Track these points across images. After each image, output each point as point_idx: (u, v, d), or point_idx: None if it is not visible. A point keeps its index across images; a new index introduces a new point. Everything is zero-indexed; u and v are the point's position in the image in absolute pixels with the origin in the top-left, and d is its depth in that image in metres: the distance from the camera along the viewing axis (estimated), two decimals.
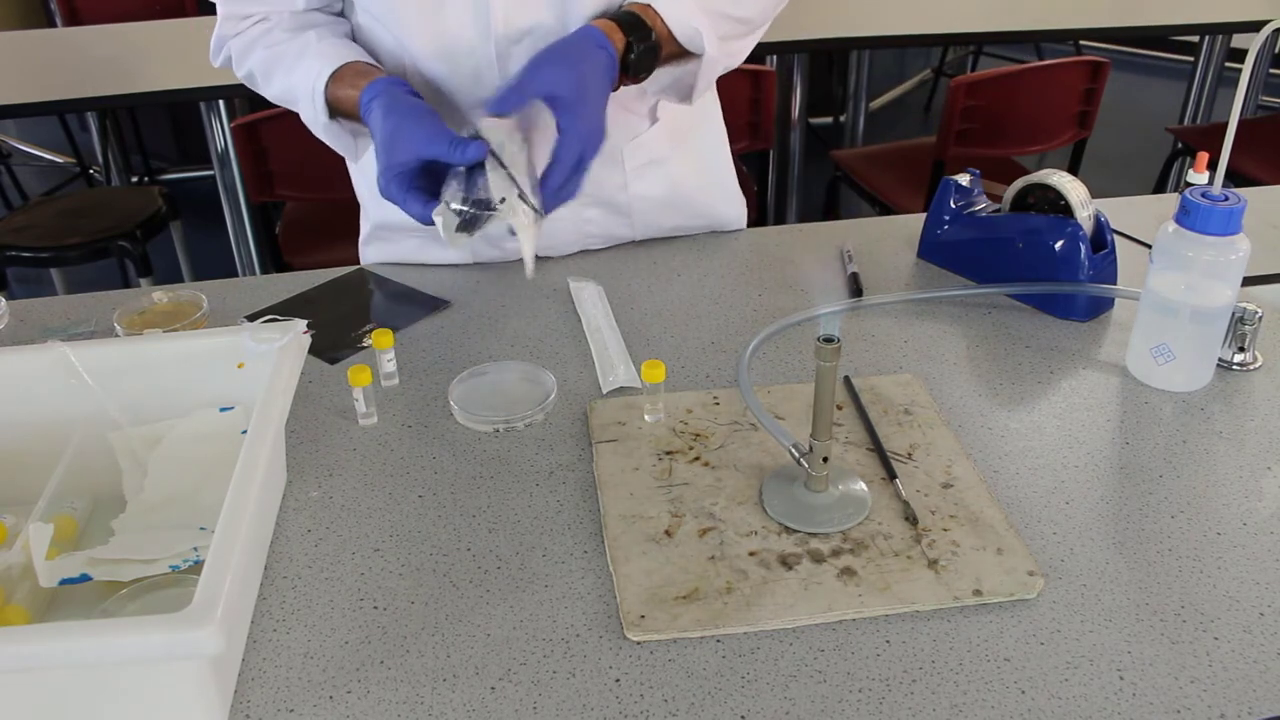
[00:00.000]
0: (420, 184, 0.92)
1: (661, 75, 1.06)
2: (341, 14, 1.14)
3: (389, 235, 1.22)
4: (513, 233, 0.90)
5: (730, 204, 1.28)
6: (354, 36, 1.13)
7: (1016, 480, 0.85)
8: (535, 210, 0.89)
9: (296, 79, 1.04)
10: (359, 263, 1.25)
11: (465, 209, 0.88)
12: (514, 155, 0.89)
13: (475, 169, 0.89)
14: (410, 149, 0.90)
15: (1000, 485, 0.84)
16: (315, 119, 1.05)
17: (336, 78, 1.02)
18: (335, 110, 1.04)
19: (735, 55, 1.10)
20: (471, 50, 1.05)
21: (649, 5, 1.01)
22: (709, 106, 1.25)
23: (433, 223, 0.89)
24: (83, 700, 0.63)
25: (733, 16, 1.07)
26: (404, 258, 1.22)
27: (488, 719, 0.65)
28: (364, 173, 1.21)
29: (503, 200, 0.88)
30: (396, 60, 1.09)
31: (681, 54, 1.05)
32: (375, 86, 0.97)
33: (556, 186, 0.91)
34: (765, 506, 0.81)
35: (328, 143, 1.09)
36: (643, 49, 0.99)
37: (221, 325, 1.07)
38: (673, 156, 1.21)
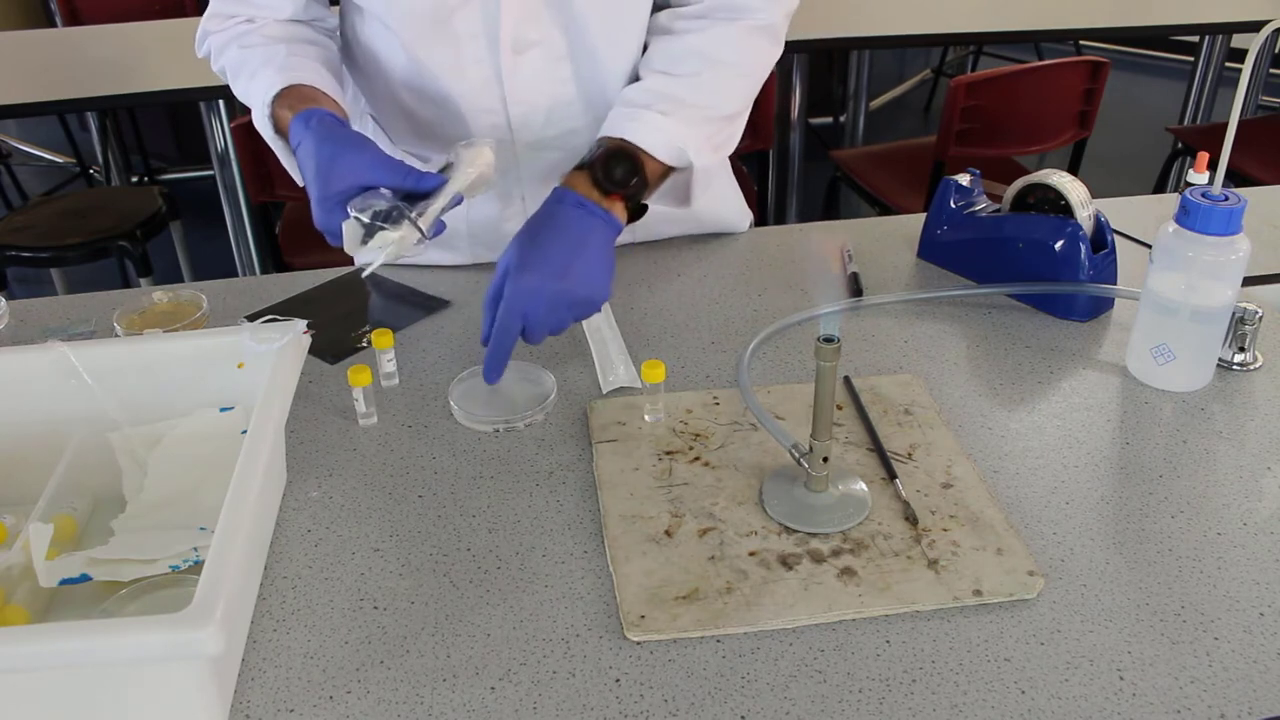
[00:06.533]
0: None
1: (659, 191, 1.05)
2: (338, 31, 1.13)
3: None
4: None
5: (733, 214, 1.28)
6: (352, 50, 1.13)
7: (1016, 480, 0.85)
8: (421, 234, 0.88)
9: (254, 87, 1.02)
10: (356, 263, 1.25)
11: (368, 221, 0.87)
12: (466, 174, 0.91)
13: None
14: (347, 178, 0.89)
15: (1000, 485, 0.84)
16: (264, 129, 1.04)
17: (283, 95, 1.00)
18: (278, 127, 1.02)
19: (727, 146, 1.08)
20: (479, 60, 1.05)
21: (624, 141, 0.98)
22: None
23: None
24: (82, 700, 0.63)
25: (719, 117, 1.05)
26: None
27: (488, 719, 0.65)
28: None
29: (401, 216, 0.87)
30: (399, 72, 1.08)
31: (670, 170, 1.03)
32: (309, 115, 0.94)
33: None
34: (765, 506, 0.81)
35: (277, 154, 1.07)
36: (631, 182, 0.97)
37: (221, 325, 1.07)
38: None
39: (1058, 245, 1.05)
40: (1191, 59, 3.16)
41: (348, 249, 0.90)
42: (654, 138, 0.99)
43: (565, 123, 1.10)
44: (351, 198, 0.89)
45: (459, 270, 1.19)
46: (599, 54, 1.07)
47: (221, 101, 2.39)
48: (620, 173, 0.97)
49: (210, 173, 2.58)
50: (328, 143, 0.92)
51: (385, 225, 0.87)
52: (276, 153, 1.07)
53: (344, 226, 0.89)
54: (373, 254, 0.88)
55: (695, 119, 1.02)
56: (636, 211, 1.00)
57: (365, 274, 0.91)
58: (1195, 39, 3.17)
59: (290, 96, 1.00)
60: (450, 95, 1.08)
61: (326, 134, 0.93)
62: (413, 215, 0.88)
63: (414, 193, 0.90)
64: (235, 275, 2.09)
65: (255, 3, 1.08)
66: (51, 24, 3.82)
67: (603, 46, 1.07)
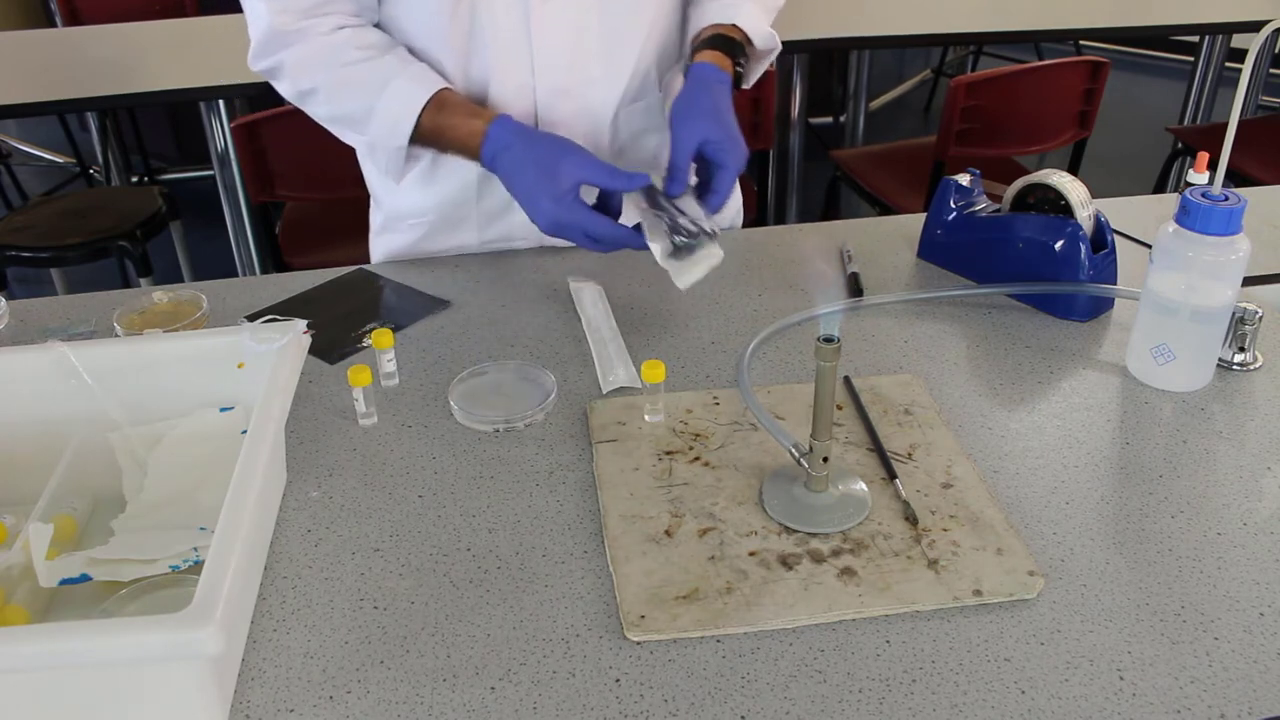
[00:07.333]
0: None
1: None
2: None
3: (401, 225, 1.24)
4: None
5: (733, 209, 1.29)
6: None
7: (1016, 480, 0.85)
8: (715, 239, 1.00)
9: (384, 102, 1.05)
10: (365, 259, 1.26)
11: (682, 239, 0.98)
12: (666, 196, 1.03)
13: (664, 204, 1.01)
14: (574, 175, 0.97)
15: (1000, 485, 0.84)
16: (386, 141, 1.06)
17: (439, 105, 1.04)
18: (426, 135, 1.05)
19: None
20: (508, 4, 1.07)
21: (733, 25, 1.12)
22: None
23: (610, 234, 0.99)
24: (82, 700, 0.63)
25: (778, 7, 1.20)
26: (417, 245, 1.24)
27: (488, 719, 0.65)
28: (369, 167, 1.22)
29: (711, 233, 0.99)
30: (424, 25, 1.09)
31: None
32: (504, 121, 1.02)
33: (715, 208, 1.02)
34: (765, 506, 0.81)
35: (379, 161, 1.11)
36: (743, 66, 1.12)
37: (221, 325, 1.07)
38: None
39: (1058, 245, 1.05)
40: (1191, 59, 3.16)
41: (664, 264, 0.98)
42: (754, 24, 1.13)
43: (585, 70, 1.13)
44: (577, 194, 0.98)
45: (459, 270, 1.19)
46: (628, 3, 1.12)
47: (221, 102, 2.39)
48: (744, 69, 1.13)
49: (210, 173, 2.58)
50: (545, 145, 1.00)
51: (695, 243, 0.98)
52: (382, 161, 1.10)
53: (650, 239, 0.98)
54: (694, 269, 0.98)
55: (771, 9, 1.18)
56: None
57: (686, 287, 0.98)
58: (1195, 39, 3.17)
59: (453, 103, 1.05)
60: (476, 35, 1.09)
61: (536, 137, 1.02)
62: (716, 231, 0.99)
63: (615, 190, 1.00)
64: (235, 275, 2.09)
65: None
66: (51, 24, 3.82)
67: None
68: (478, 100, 1.13)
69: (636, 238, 0.99)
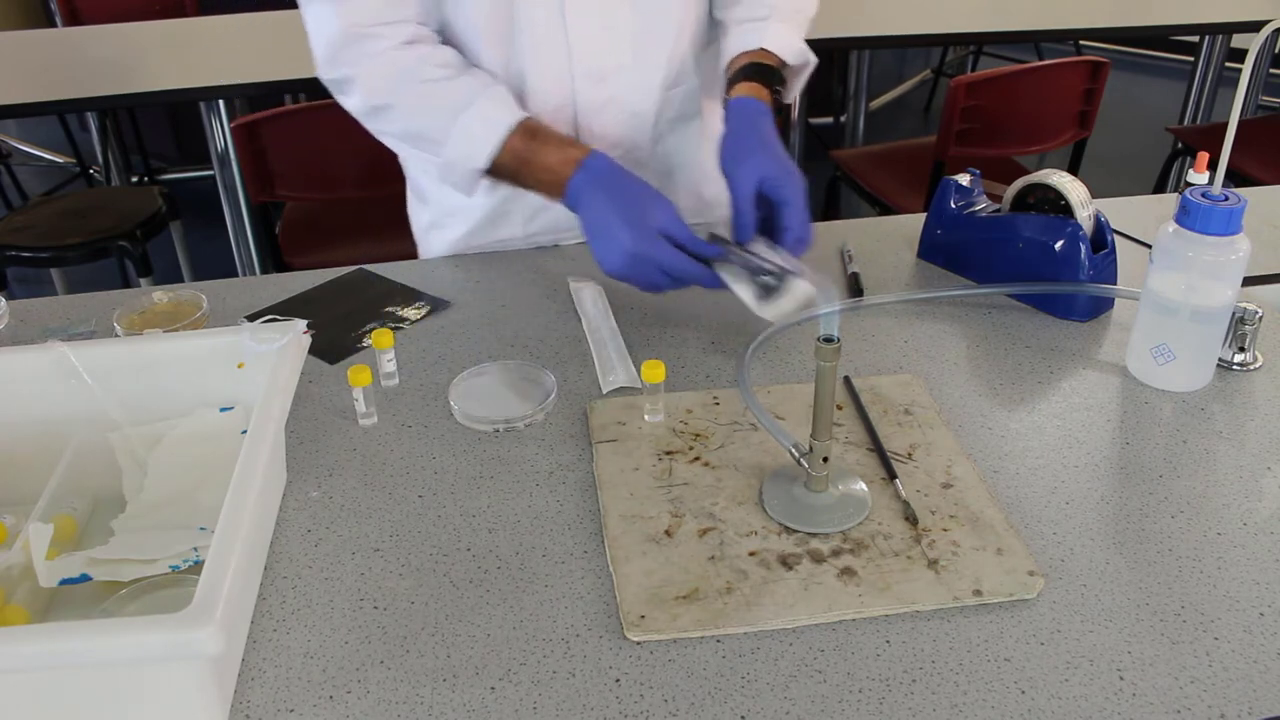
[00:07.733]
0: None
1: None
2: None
3: (451, 220, 1.26)
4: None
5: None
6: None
7: (1016, 480, 0.85)
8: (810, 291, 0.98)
9: (464, 122, 1.04)
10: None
11: (769, 281, 0.97)
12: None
13: (738, 253, 1.00)
14: (659, 220, 0.97)
15: (1000, 485, 0.84)
16: (464, 162, 1.06)
17: (530, 132, 1.04)
18: (507, 158, 1.05)
19: None
20: (546, 11, 1.09)
21: (763, 49, 1.13)
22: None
23: (707, 272, 0.98)
24: (82, 700, 0.63)
25: (808, 17, 1.20)
26: (466, 239, 1.26)
27: (488, 719, 0.65)
28: (424, 167, 1.22)
29: (794, 270, 0.97)
30: (466, 34, 1.10)
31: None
32: (599, 155, 1.02)
33: (792, 246, 1.00)
34: (765, 506, 0.81)
35: (446, 176, 1.09)
36: (780, 90, 1.14)
37: (221, 325, 1.07)
38: (706, 112, 1.27)
39: (1058, 245, 1.05)
40: (1191, 59, 3.17)
41: (757, 310, 0.97)
42: (782, 43, 1.14)
43: (620, 55, 1.14)
44: (657, 234, 0.97)
45: (459, 269, 1.19)
46: None
47: (221, 102, 2.39)
48: (781, 92, 1.14)
49: (210, 173, 2.58)
50: (640, 187, 1.01)
51: (781, 283, 0.97)
52: (451, 176, 1.09)
53: (734, 285, 0.97)
54: (783, 303, 0.96)
55: (801, 23, 1.19)
56: None
57: (778, 325, 1.01)
58: (1195, 39, 3.17)
59: (540, 133, 1.05)
60: (514, 23, 1.09)
61: (632, 178, 1.02)
62: (799, 272, 0.97)
63: (686, 248, 0.98)
64: (235, 275, 2.09)
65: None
66: (51, 24, 3.82)
67: None
68: (516, 90, 1.13)
69: (711, 276, 0.97)
